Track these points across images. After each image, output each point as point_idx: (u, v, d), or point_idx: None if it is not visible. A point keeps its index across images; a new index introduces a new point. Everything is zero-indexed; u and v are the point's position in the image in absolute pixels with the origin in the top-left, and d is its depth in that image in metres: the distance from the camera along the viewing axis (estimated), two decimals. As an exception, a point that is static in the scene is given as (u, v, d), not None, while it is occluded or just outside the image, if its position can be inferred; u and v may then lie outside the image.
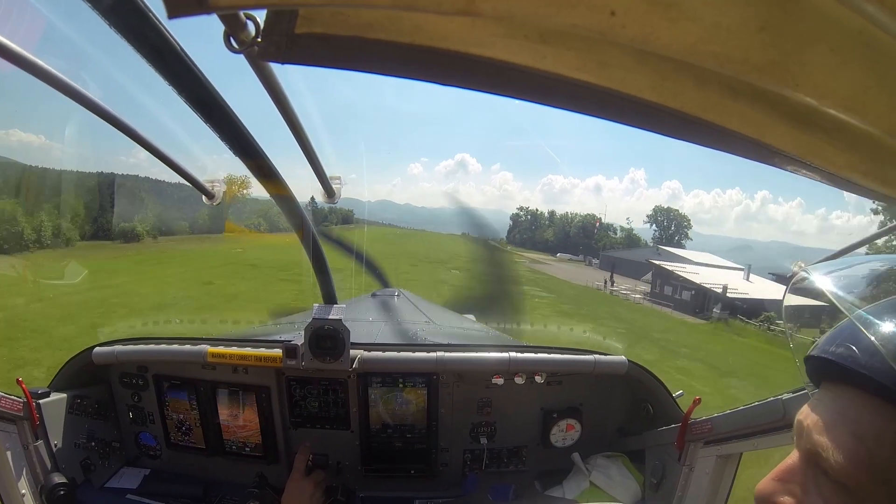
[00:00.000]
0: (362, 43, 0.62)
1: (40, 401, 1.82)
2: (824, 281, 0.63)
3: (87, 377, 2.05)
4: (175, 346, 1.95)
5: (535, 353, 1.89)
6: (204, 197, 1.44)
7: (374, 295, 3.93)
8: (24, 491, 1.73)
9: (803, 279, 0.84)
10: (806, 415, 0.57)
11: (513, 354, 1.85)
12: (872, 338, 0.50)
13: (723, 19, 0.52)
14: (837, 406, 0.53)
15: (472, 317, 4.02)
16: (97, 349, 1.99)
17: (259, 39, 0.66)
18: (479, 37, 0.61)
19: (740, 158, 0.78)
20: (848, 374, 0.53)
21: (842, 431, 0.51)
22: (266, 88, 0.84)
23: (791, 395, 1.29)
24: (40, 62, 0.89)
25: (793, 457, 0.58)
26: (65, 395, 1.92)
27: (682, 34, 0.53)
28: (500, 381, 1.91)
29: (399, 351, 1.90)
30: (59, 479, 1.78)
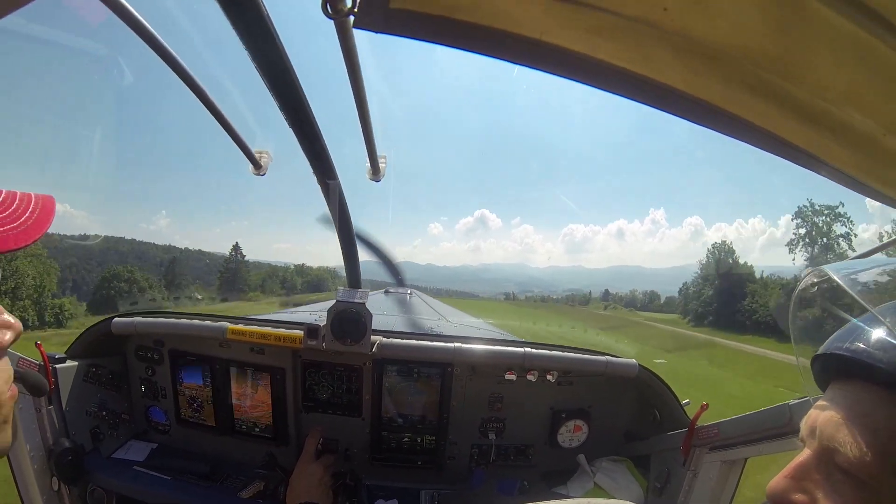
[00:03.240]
0: (448, 22, 0.75)
1: (56, 365, 1.86)
2: (842, 279, 0.64)
3: (104, 347, 2.08)
4: (195, 322, 1.98)
5: (550, 350, 1.94)
6: (251, 166, 1.51)
7: (387, 292, 3.98)
8: (32, 454, 1.74)
9: (817, 279, 0.91)
10: (817, 413, 0.58)
11: (528, 350, 1.89)
12: (892, 329, 0.52)
13: (746, 19, 0.66)
14: (850, 402, 0.54)
15: (481, 319, 4.05)
16: (116, 319, 2.03)
17: (355, 9, 0.77)
18: (547, 26, 0.73)
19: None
20: (861, 370, 0.54)
21: (856, 426, 0.51)
22: (345, 60, 0.95)
23: (798, 400, 1.32)
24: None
25: (804, 454, 0.58)
26: (80, 362, 1.95)
27: (715, 28, 0.66)
28: (512, 377, 1.94)
29: (417, 340, 1.94)
30: (68, 444, 1.80)
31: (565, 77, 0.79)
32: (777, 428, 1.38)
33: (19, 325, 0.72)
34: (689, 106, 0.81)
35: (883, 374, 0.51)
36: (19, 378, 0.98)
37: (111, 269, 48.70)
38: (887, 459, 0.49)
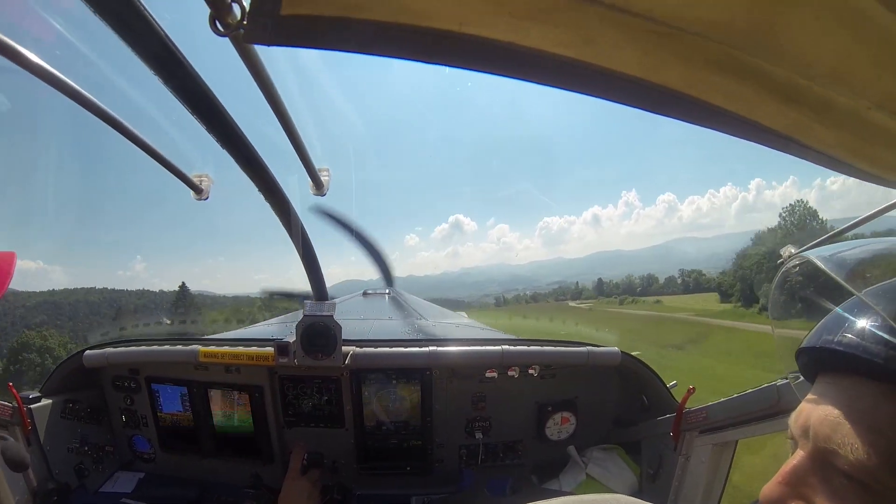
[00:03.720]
0: (348, 23, 0.62)
1: (31, 406, 1.80)
2: (828, 263, 0.58)
3: (79, 381, 2.02)
4: (166, 347, 1.93)
5: (528, 346, 1.88)
6: (192, 192, 1.42)
7: (365, 294, 3.97)
8: (17, 498, 1.70)
9: (799, 262, 0.83)
10: (809, 410, 0.53)
11: (506, 348, 1.84)
12: (888, 320, 0.47)
13: None
14: (847, 399, 0.49)
15: (464, 314, 4.04)
16: (88, 352, 1.97)
17: (245, 22, 0.65)
18: (463, 14, 0.60)
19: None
20: (857, 364, 0.49)
21: (856, 425, 0.47)
22: (252, 75, 0.84)
23: (785, 381, 1.28)
24: (22, 49, 0.88)
25: (797, 457, 0.53)
26: (57, 399, 1.89)
27: (665, 1, 0.54)
28: (493, 374, 1.90)
29: (391, 347, 1.88)
30: (52, 485, 1.76)
31: (494, 73, 0.66)
32: (766, 409, 1.35)
33: None
34: (644, 92, 0.69)
35: (881, 368, 0.47)
36: None
37: (22, 338, 39.62)
38: (894, 461, 0.44)
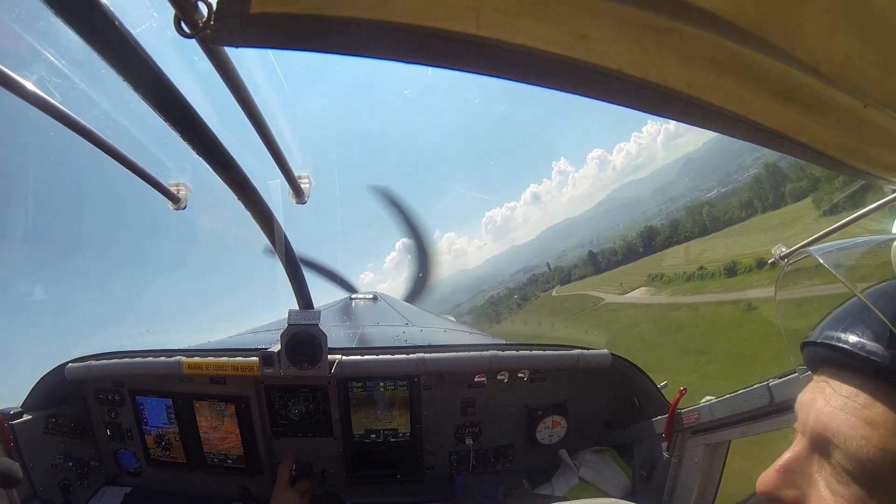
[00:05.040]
0: (322, 21, 0.58)
1: (13, 422, 1.75)
2: (828, 261, 0.60)
3: (61, 395, 1.96)
4: (150, 359, 1.87)
5: (518, 350, 1.87)
6: (169, 202, 1.36)
7: (351, 299, 3.90)
8: None
9: (801, 259, 0.82)
10: (810, 400, 0.54)
11: (495, 353, 1.82)
12: (885, 321, 0.48)
13: None
14: (844, 392, 0.51)
15: (451, 317, 4.01)
16: (70, 365, 1.91)
17: (212, 22, 0.61)
18: (447, 10, 0.56)
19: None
20: (854, 360, 0.50)
21: (852, 418, 0.48)
22: (222, 77, 0.79)
23: (777, 380, 1.28)
24: None
25: (796, 446, 0.55)
26: (39, 414, 1.84)
27: None
28: (482, 379, 1.88)
29: (378, 354, 1.85)
30: (36, 502, 1.71)
31: (481, 73, 0.63)
32: (758, 409, 1.34)
33: None
34: (641, 92, 0.65)
35: (877, 366, 0.48)
36: None
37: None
38: (885, 455, 0.45)
